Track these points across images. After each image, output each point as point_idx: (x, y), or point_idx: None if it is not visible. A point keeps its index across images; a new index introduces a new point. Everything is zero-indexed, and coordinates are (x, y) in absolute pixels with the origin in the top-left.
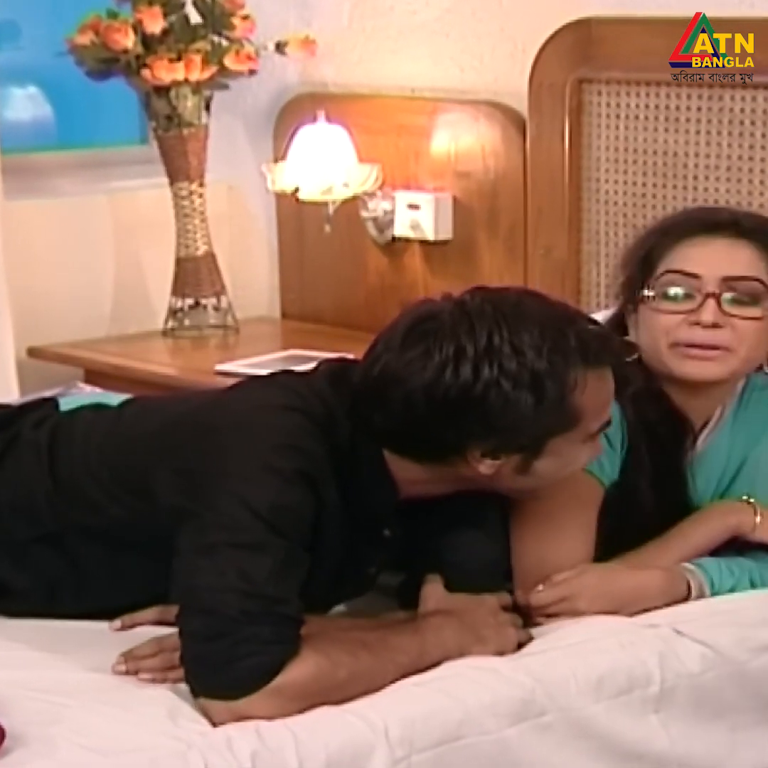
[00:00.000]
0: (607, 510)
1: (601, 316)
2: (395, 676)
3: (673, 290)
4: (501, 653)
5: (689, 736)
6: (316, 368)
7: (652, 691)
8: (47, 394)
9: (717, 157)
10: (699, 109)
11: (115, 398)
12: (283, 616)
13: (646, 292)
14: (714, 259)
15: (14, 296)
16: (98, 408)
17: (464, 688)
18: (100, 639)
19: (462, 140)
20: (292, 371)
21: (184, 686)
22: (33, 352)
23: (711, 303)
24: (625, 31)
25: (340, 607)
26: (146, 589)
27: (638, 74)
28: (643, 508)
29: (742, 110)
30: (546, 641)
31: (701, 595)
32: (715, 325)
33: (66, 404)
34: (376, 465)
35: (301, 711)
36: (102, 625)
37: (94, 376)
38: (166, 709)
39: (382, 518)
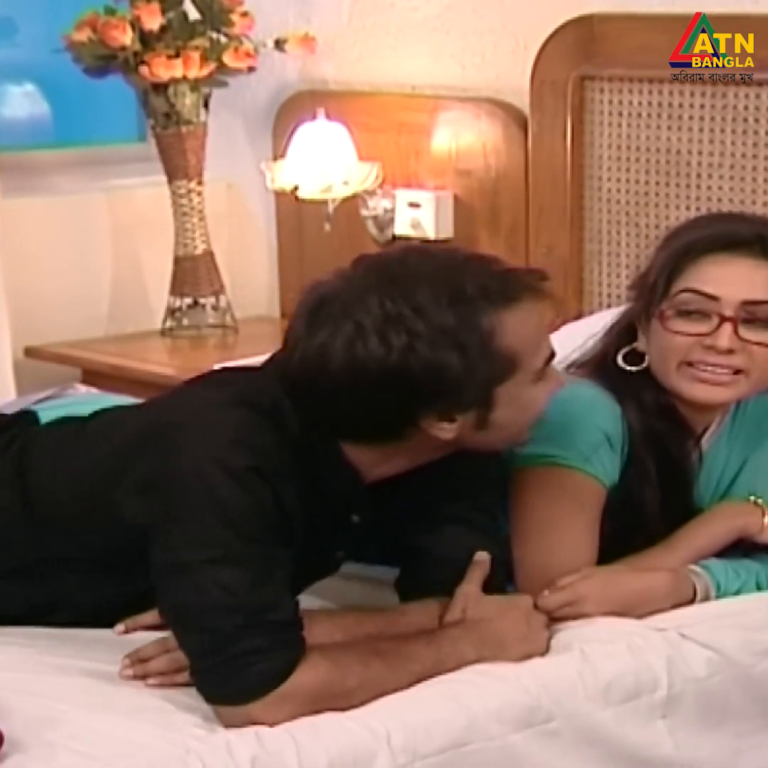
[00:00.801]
0: (609, 516)
1: (606, 315)
2: (408, 685)
3: (689, 310)
4: (529, 657)
5: (695, 742)
6: (270, 359)
7: (659, 697)
8: (43, 394)
9: (720, 155)
10: (702, 106)
11: (103, 400)
12: (275, 622)
13: (661, 308)
14: (734, 280)
15: (11, 295)
16: (65, 422)
17: (469, 694)
18: (99, 643)
19: (463, 138)
20: (235, 368)
21: (183, 690)
22: (30, 352)
23: (727, 328)
24: (627, 28)
25: (313, 600)
26: (136, 604)
27: (641, 71)
28: (648, 515)
29: (746, 108)
30: (553, 645)
31: (707, 598)
32: (729, 351)
33: (46, 415)
34: (332, 456)
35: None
36: (100, 630)
37: (92, 376)
38: (165, 714)
39: (349, 505)
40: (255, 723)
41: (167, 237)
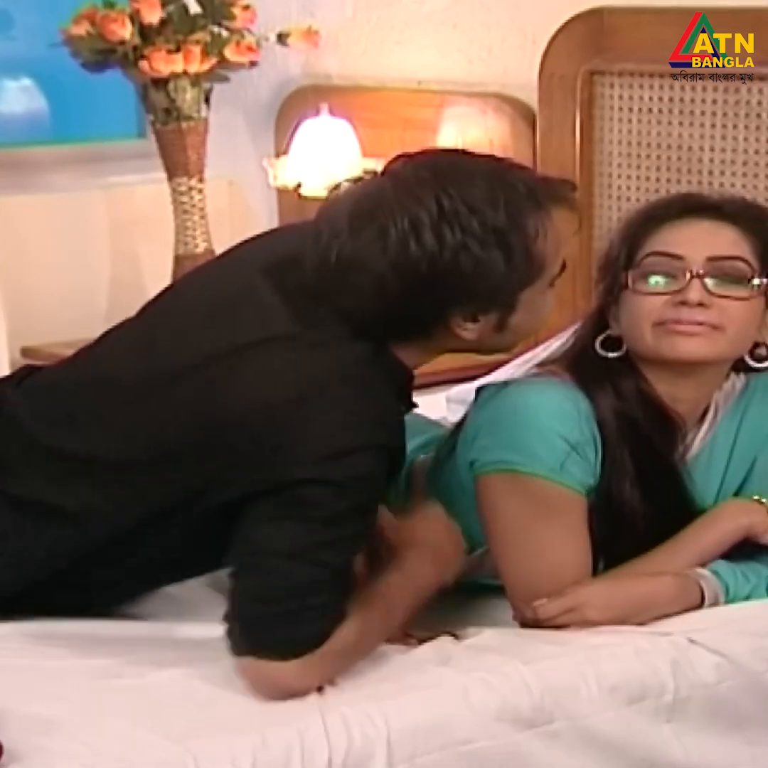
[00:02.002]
0: (594, 522)
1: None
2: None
3: (656, 273)
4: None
5: (705, 748)
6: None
7: (665, 701)
8: None
9: (733, 151)
10: (714, 101)
11: None
12: (344, 585)
13: (629, 275)
14: (697, 239)
15: (7, 295)
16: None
17: (471, 693)
18: (98, 644)
19: (469, 134)
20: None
21: (184, 696)
22: (27, 353)
23: (696, 283)
24: (638, 21)
25: None
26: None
27: (652, 66)
28: (632, 511)
29: (760, 103)
30: (558, 646)
31: (715, 603)
32: (701, 304)
33: None
34: (390, 359)
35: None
36: (100, 632)
37: None
38: (166, 722)
39: (400, 398)
40: (279, 684)
41: (167, 235)
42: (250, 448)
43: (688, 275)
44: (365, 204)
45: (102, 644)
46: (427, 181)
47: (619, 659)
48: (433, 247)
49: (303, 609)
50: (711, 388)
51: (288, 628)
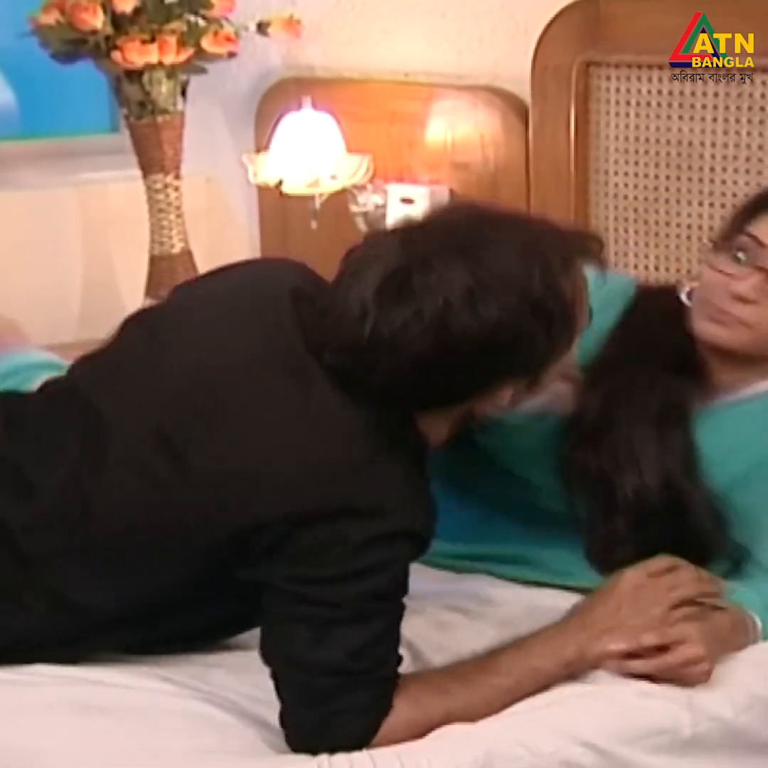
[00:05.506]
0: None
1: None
2: (505, 701)
3: (733, 251)
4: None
5: None
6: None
7: (682, 737)
8: None
9: (735, 147)
10: (716, 95)
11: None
12: (383, 678)
13: (718, 242)
14: None
15: None
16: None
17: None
18: (93, 684)
19: (459, 128)
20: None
21: (192, 732)
22: None
23: (756, 277)
24: (636, 10)
25: None
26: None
27: (651, 57)
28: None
29: (763, 96)
30: (565, 689)
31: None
32: (742, 299)
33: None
34: (413, 430)
35: None
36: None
37: None
38: (172, 757)
39: None
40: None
41: (142, 235)
42: None
43: (755, 266)
44: (392, 283)
45: (81, 677)
46: (454, 255)
47: (628, 700)
48: (471, 324)
49: (337, 713)
50: (752, 377)
51: (326, 733)
